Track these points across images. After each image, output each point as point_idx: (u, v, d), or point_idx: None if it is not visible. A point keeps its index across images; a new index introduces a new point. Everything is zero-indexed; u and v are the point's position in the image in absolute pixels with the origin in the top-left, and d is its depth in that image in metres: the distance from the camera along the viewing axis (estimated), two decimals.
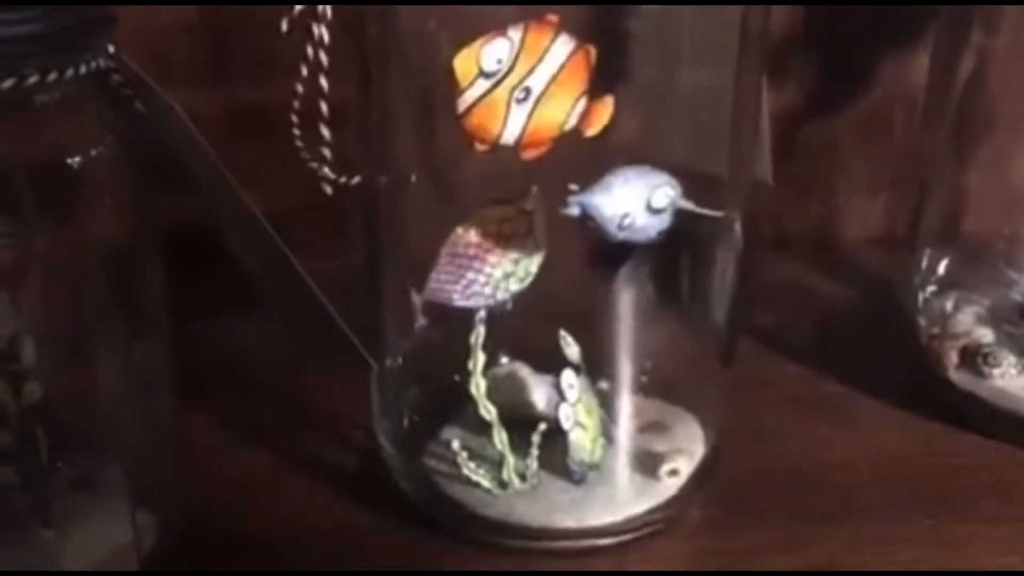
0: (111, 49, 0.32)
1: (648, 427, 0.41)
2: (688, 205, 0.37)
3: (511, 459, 0.39)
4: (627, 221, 0.36)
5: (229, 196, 0.33)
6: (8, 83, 0.27)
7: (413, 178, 0.40)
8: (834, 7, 0.57)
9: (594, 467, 0.39)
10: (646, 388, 0.41)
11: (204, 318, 0.46)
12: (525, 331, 0.41)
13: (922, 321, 0.48)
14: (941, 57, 0.50)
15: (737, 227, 0.40)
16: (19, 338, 0.32)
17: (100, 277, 0.33)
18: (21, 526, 0.34)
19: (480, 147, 0.35)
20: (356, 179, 0.39)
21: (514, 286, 0.38)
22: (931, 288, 0.50)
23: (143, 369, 0.35)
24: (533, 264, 0.38)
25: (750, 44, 0.38)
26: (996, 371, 0.45)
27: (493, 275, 0.38)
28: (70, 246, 0.32)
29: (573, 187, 0.36)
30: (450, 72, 0.34)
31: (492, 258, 0.38)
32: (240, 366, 0.49)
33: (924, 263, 0.50)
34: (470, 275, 0.38)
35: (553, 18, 0.34)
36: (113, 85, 0.32)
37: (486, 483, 0.39)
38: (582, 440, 0.38)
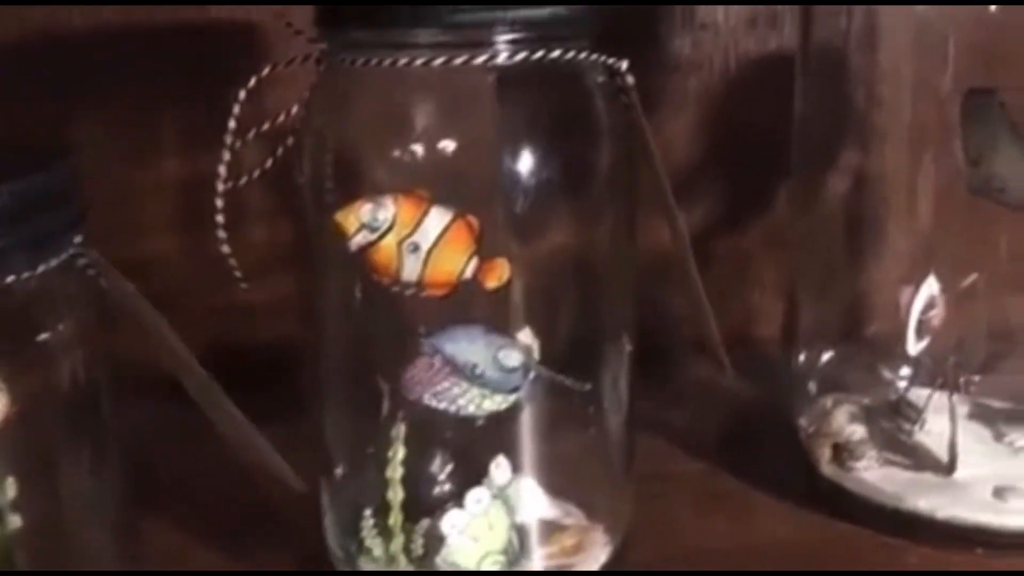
0: (78, 240, 0.35)
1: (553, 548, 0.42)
2: (545, 372, 0.38)
3: (400, 538, 0.41)
4: (478, 371, 0.37)
5: (174, 351, 0.38)
6: None
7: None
8: (735, 136, 0.64)
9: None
10: (556, 499, 0.43)
11: (169, 442, 0.51)
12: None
13: (802, 420, 0.52)
14: (801, 177, 0.54)
15: (625, 342, 0.43)
16: (3, 478, 0.36)
17: (63, 420, 0.37)
18: None
19: (384, 282, 0.36)
20: None
21: (488, 406, 0.38)
22: (812, 387, 0.53)
23: (101, 493, 0.39)
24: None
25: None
26: (859, 464, 0.48)
27: (471, 390, 0.38)
28: (40, 399, 0.36)
29: (422, 330, 0.38)
30: (335, 226, 0.36)
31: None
32: (201, 482, 0.52)
33: (801, 364, 0.54)
34: (446, 384, 0.38)
35: (423, 193, 0.37)
36: (78, 268, 0.36)
37: (378, 552, 0.41)
38: (466, 549, 0.40)
